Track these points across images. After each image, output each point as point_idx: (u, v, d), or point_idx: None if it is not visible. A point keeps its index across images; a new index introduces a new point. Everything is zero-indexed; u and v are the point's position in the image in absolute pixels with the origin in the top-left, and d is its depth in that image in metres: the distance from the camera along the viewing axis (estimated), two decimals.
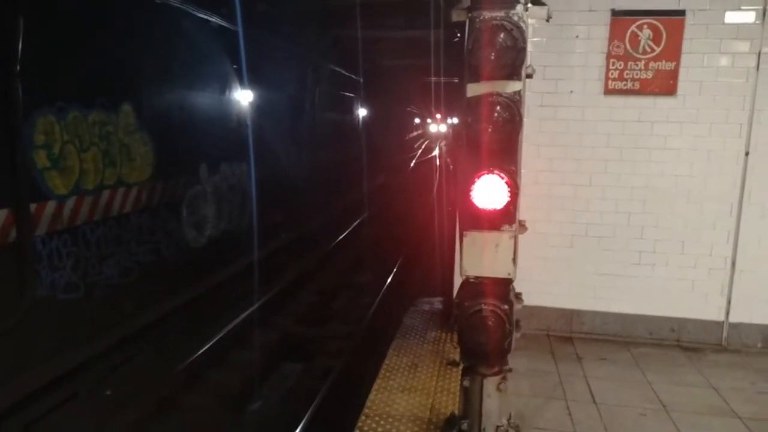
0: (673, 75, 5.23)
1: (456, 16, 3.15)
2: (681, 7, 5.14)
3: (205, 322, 7.82)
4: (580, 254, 5.58)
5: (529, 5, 3.07)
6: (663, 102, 5.29)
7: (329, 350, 7.61)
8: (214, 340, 7.34)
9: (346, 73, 19.26)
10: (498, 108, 3.00)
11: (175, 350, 6.98)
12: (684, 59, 5.20)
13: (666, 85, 5.26)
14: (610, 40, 5.27)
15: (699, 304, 5.50)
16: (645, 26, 5.21)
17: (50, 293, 6.18)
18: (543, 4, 3.26)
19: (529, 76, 3.13)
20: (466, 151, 3.13)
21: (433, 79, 21.08)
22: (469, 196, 3.10)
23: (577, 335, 5.69)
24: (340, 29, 15.25)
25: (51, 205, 6.22)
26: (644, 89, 5.29)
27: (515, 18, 2.95)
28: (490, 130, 3.02)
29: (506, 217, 3.13)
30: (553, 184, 5.52)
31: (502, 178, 3.05)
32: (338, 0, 12.28)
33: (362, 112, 22.58)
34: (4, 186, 5.60)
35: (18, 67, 5.61)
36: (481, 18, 2.96)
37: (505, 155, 3.09)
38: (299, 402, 6.21)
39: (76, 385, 5.96)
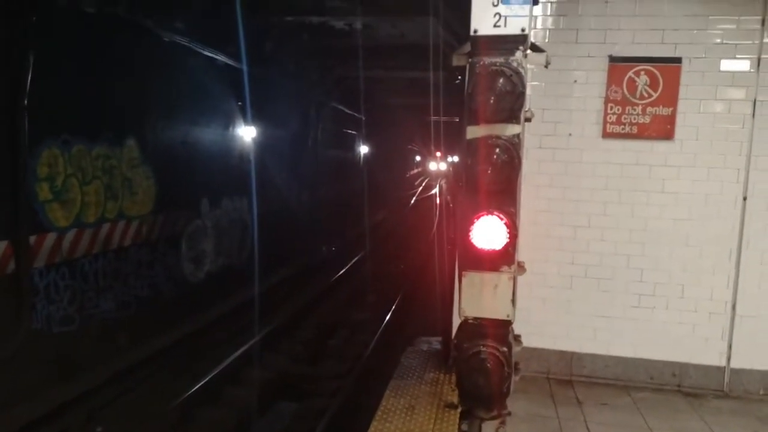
0: (671, 120, 5.30)
1: (456, 60, 3.22)
2: (677, 55, 5.24)
3: (201, 358, 7.72)
4: (580, 296, 5.55)
5: (529, 51, 3.14)
6: (661, 146, 5.34)
7: (325, 389, 7.49)
8: (210, 376, 7.24)
9: (349, 111, 19.53)
10: (497, 150, 3.05)
11: (170, 386, 6.87)
12: (681, 105, 5.27)
13: (663, 130, 5.32)
14: (608, 85, 5.35)
15: (700, 349, 5.44)
16: (642, 72, 5.30)
17: (45, 326, 6.14)
18: (542, 51, 3.34)
19: (528, 119, 3.18)
20: (466, 191, 3.16)
21: (433, 118, 21.39)
22: (468, 236, 3.11)
23: (577, 378, 5.61)
24: (343, 68, 15.53)
25: (51, 237, 6.23)
26: (642, 133, 5.35)
27: (514, 64, 3.02)
28: (489, 171, 3.06)
29: (505, 258, 3.14)
30: (552, 225, 5.53)
31: (501, 219, 3.07)
32: (342, 41, 12.53)
33: (364, 149, 22.82)
34: (4, 218, 5.62)
35: (26, 101, 5.71)
36: (481, 63, 3.04)
37: (504, 197, 3.12)
38: None
39: (67, 421, 5.85)
